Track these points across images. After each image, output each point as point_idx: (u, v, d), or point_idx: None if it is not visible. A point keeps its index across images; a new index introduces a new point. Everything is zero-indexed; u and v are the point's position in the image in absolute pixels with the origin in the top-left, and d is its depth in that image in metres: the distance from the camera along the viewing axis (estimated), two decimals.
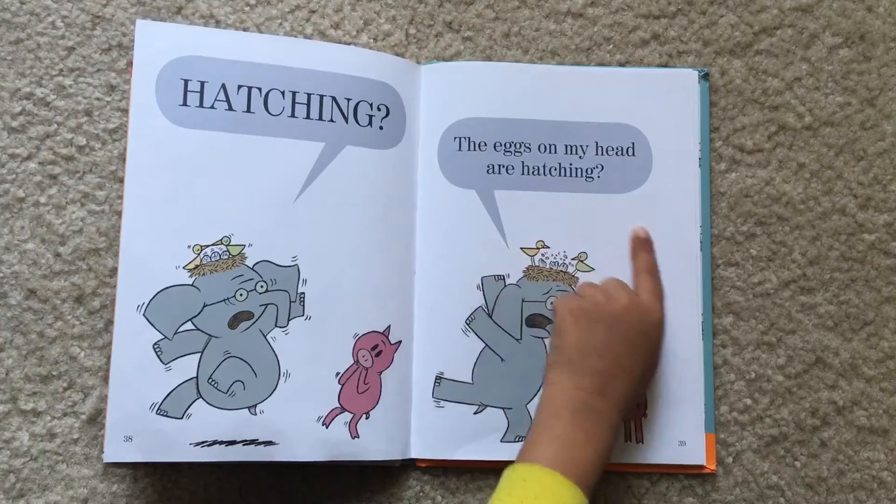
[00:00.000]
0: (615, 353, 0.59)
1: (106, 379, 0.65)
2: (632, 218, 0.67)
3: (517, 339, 0.66)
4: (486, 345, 0.66)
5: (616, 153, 0.68)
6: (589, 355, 0.59)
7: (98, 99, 0.69)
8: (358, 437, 0.64)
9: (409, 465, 0.66)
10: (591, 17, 0.71)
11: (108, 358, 0.65)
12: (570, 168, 0.68)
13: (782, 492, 0.66)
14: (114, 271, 0.66)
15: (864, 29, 0.71)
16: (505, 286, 0.67)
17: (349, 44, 0.70)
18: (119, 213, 0.65)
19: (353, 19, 0.71)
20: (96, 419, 0.65)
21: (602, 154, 0.68)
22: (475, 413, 0.66)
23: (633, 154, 0.68)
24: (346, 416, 0.64)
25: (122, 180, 0.66)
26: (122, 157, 0.67)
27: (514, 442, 0.65)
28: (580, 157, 0.68)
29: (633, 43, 0.71)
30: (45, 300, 0.66)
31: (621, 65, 0.70)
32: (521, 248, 0.67)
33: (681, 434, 0.66)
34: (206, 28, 0.69)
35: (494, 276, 0.67)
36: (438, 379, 0.66)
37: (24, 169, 0.67)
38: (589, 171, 0.68)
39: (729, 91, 0.70)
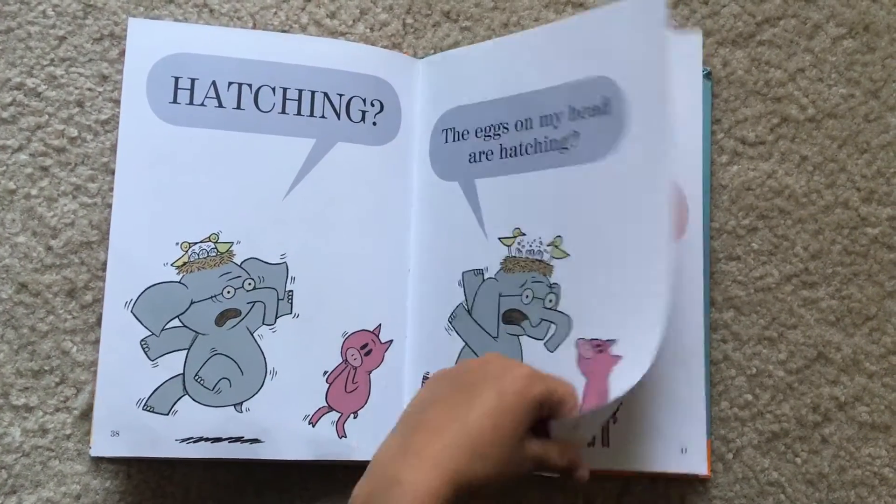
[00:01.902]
0: (449, 403, 0.48)
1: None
2: (607, 189, 0.59)
3: (493, 337, 0.64)
4: (466, 343, 0.64)
5: (589, 114, 0.61)
6: (415, 407, 0.50)
7: (90, 89, 0.68)
8: (345, 437, 0.63)
9: None
10: (591, 6, 0.70)
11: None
12: (546, 142, 0.63)
13: (783, 488, 0.66)
14: (106, 265, 0.65)
15: (869, 19, 0.70)
16: (483, 281, 0.64)
17: (345, 34, 0.69)
18: (111, 206, 0.64)
19: (349, 8, 0.69)
20: (89, 414, 0.64)
21: (576, 118, 0.62)
22: None
23: (608, 110, 0.60)
24: (334, 416, 0.63)
25: (114, 172, 0.65)
26: (114, 149, 0.66)
27: None
28: (554, 126, 0.63)
29: None
30: (37, 294, 0.65)
31: None
32: (500, 239, 0.64)
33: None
34: (198, 25, 0.68)
35: (474, 270, 0.65)
36: (425, 380, 0.65)
37: (14, 160, 0.66)
38: (563, 142, 0.62)
39: (731, 82, 0.69)
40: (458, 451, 0.45)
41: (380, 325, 0.65)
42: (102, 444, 0.61)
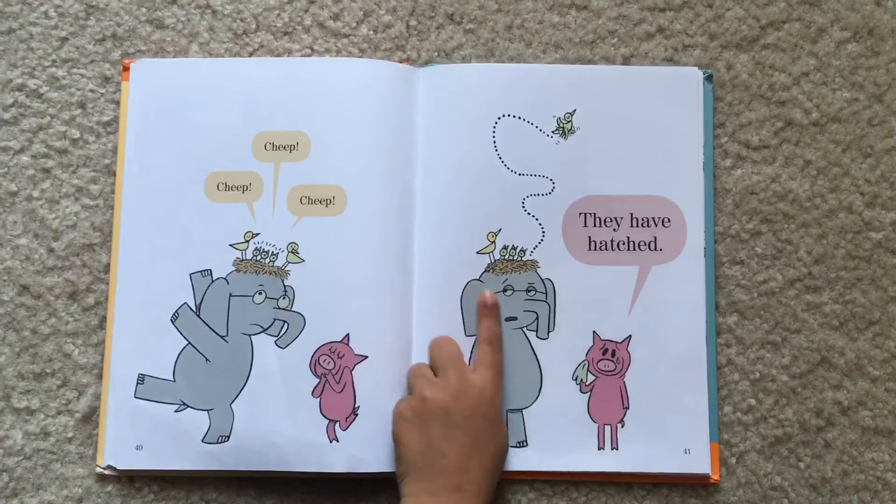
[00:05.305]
0: (458, 445, 0.57)
1: (100, 377, 0.64)
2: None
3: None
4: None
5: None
6: (433, 457, 0.57)
7: (92, 91, 0.67)
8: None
9: None
10: (596, 9, 0.70)
11: (103, 356, 0.64)
12: None
13: (786, 493, 0.66)
14: (108, 267, 0.65)
15: (873, 23, 0.70)
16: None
17: (348, 35, 0.69)
18: (113, 208, 0.64)
19: (353, 10, 0.69)
20: (91, 417, 0.64)
21: None
22: None
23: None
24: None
25: (115, 174, 0.65)
26: (116, 151, 0.66)
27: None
28: None
29: (638, 36, 0.69)
30: (39, 296, 0.65)
31: (626, 59, 0.69)
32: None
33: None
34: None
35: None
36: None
37: (16, 162, 0.66)
38: None
39: (735, 86, 0.69)
40: (489, 478, 0.58)
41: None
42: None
